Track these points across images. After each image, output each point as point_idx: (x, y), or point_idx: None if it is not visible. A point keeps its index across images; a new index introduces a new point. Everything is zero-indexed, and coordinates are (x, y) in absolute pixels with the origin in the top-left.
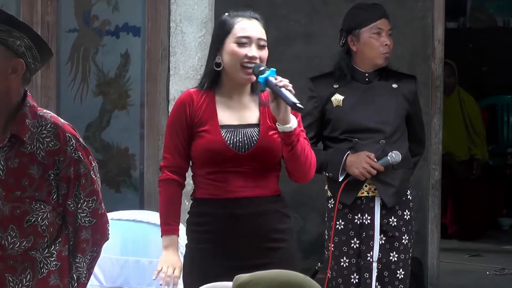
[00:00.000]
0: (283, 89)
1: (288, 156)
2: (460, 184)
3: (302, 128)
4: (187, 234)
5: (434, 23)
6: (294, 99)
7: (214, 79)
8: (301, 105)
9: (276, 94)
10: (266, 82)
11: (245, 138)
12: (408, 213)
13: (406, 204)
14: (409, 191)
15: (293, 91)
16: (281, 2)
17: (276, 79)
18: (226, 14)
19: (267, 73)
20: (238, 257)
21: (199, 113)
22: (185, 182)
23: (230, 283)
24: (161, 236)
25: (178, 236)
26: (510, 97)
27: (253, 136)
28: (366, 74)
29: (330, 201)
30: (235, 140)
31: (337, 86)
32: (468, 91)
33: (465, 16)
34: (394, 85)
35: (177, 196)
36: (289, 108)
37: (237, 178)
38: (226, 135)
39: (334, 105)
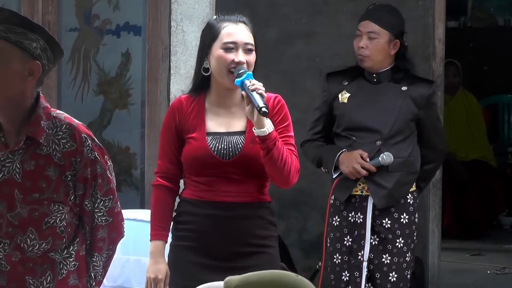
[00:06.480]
0: (254, 93)
1: (265, 160)
2: (460, 184)
3: (290, 134)
4: (171, 232)
5: (434, 22)
6: (260, 103)
7: (202, 84)
8: (267, 109)
9: (248, 97)
10: (242, 85)
11: (229, 146)
12: (407, 216)
13: (405, 208)
14: (410, 195)
15: (264, 95)
16: (282, 1)
17: (250, 82)
18: (214, 18)
19: (243, 76)
20: (217, 258)
21: (188, 119)
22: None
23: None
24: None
25: (165, 241)
26: (510, 96)
27: (238, 144)
28: (374, 75)
29: (331, 197)
30: (219, 147)
31: (346, 83)
32: (469, 90)
33: (465, 15)
34: (404, 88)
35: (165, 201)
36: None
37: (222, 183)
38: (212, 142)
39: (340, 102)
